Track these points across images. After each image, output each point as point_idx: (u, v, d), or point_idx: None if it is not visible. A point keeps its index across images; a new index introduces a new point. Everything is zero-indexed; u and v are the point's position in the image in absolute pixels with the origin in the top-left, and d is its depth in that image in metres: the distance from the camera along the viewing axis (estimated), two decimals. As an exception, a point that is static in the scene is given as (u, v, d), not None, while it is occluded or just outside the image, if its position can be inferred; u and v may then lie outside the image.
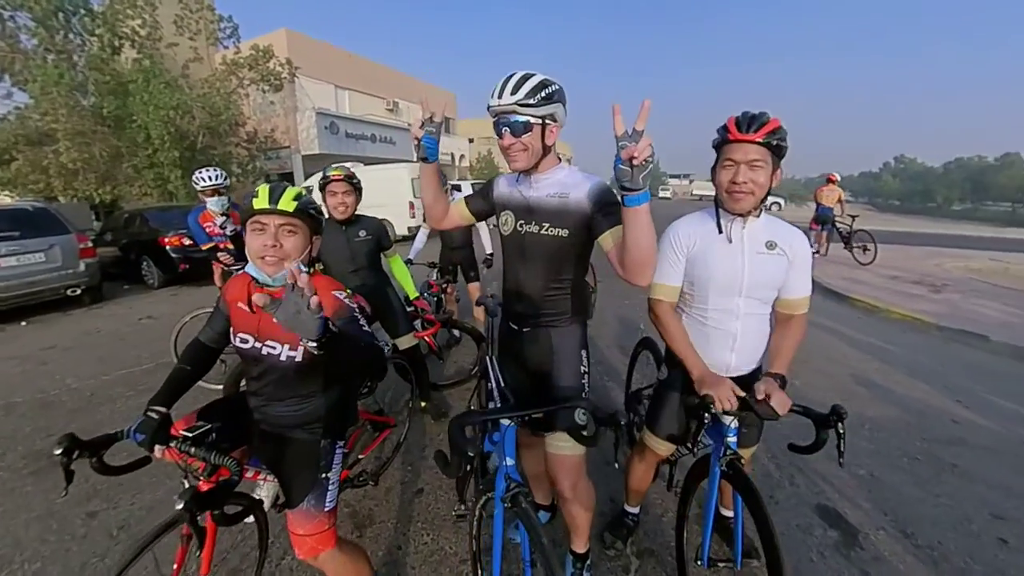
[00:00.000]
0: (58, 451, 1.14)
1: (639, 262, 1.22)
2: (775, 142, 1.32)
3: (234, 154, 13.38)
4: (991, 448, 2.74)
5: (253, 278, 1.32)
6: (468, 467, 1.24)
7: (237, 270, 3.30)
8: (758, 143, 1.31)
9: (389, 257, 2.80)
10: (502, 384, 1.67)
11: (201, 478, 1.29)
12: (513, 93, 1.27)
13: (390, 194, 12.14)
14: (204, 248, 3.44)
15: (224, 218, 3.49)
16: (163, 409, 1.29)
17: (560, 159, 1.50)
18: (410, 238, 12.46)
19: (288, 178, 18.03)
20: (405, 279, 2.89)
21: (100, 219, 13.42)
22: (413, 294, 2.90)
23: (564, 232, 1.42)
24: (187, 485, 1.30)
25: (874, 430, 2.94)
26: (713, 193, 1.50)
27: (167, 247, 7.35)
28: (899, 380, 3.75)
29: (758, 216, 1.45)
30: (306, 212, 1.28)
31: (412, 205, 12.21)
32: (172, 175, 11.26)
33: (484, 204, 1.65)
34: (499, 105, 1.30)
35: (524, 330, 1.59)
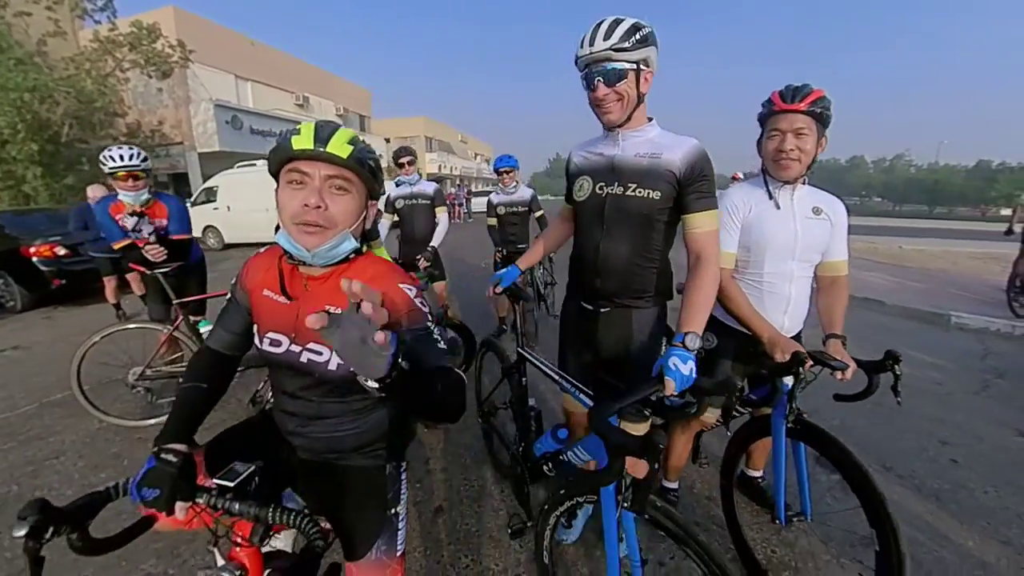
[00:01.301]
0: (22, 532, 0.73)
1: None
2: (819, 111, 1.37)
3: (111, 150, 11.40)
4: (914, 389, 3.21)
5: (285, 252, 0.97)
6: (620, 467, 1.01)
7: (167, 272, 2.66)
8: (803, 112, 1.37)
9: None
10: (564, 372, 1.54)
11: (245, 543, 0.91)
12: (606, 38, 1.21)
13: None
14: (117, 247, 2.67)
15: (138, 218, 2.70)
16: (183, 448, 0.91)
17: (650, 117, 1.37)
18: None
19: (182, 180, 15.83)
20: None
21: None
22: None
23: (655, 194, 1.31)
24: (219, 555, 0.92)
25: (826, 387, 3.16)
26: None
27: (34, 259, 5.94)
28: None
29: (804, 184, 1.52)
30: (363, 163, 0.92)
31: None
32: (29, 173, 9.26)
33: (569, 186, 1.56)
34: (591, 53, 1.23)
35: (602, 311, 1.47)
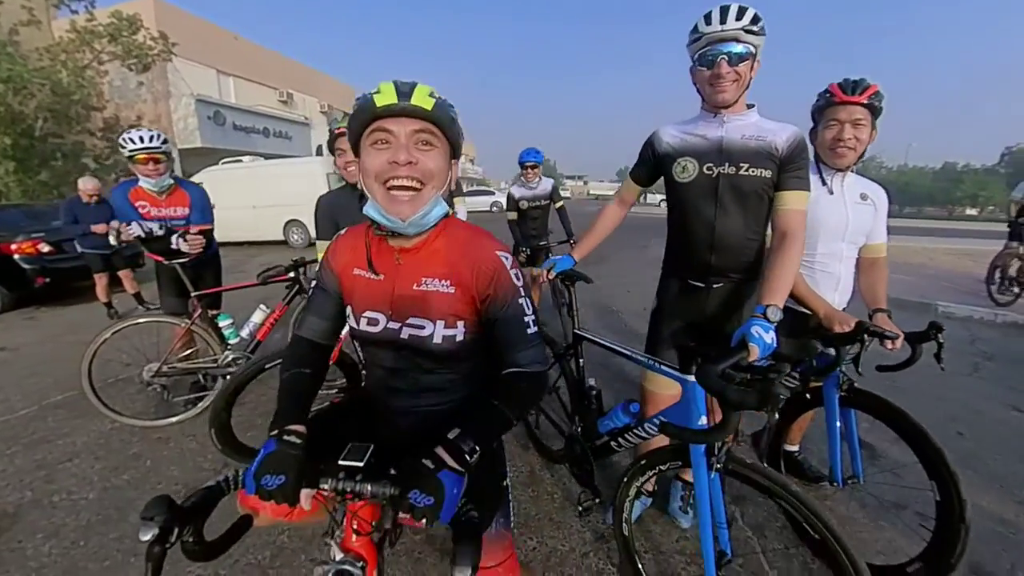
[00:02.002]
0: (150, 535, 0.66)
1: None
2: (876, 103, 1.49)
3: (88, 145, 10.94)
4: (913, 371, 3.30)
5: (373, 223, 0.92)
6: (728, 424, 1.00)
7: (186, 263, 2.54)
8: (862, 104, 1.48)
9: None
10: (655, 349, 1.61)
11: (365, 532, 0.84)
12: (738, 19, 1.27)
13: (303, 191, 10.80)
14: (137, 238, 2.50)
15: (162, 224, 2.49)
16: (303, 429, 0.84)
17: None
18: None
19: (162, 176, 15.29)
20: None
21: None
22: None
23: (767, 173, 1.38)
24: (335, 547, 0.86)
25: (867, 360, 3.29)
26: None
27: (15, 256, 5.65)
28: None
29: (852, 172, 1.64)
30: (448, 116, 0.85)
31: (328, 204, 11.02)
32: (1, 169, 8.81)
33: (649, 168, 1.62)
34: (721, 31, 1.28)
35: (714, 286, 1.52)
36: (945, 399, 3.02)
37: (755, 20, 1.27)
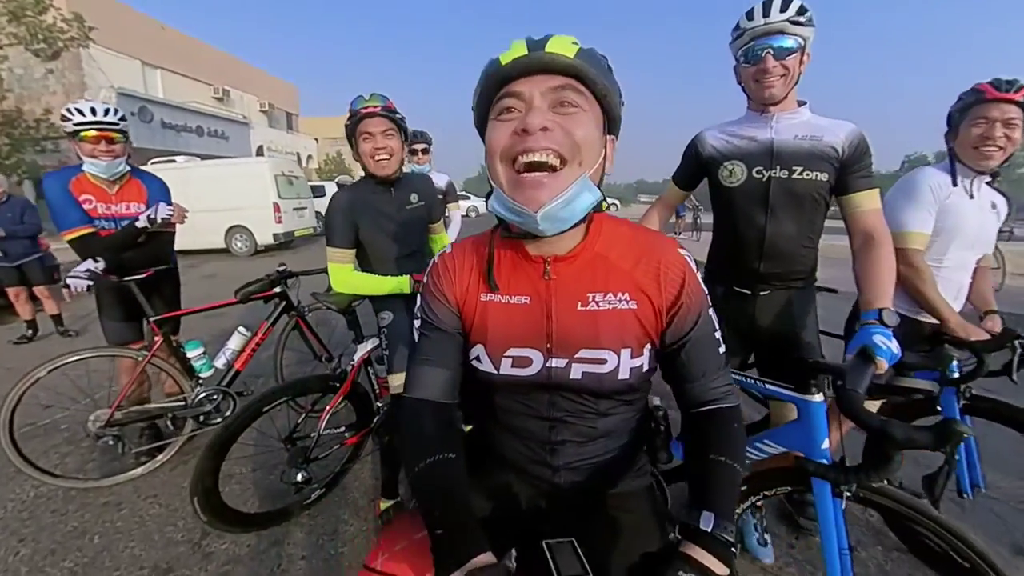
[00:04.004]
0: None
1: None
2: None
3: (-18, 141, 9.36)
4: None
5: (500, 224, 0.73)
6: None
7: (143, 279, 2.03)
8: (1017, 103, 1.38)
9: (435, 234, 1.95)
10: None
11: None
12: (783, 10, 1.20)
13: (249, 195, 9.89)
14: (70, 236, 1.91)
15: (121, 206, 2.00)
16: (492, 560, 0.58)
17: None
18: (276, 247, 10.62)
19: (75, 178, 13.52)
20: None
21: None
22: None
23: (823, 176, 1.30)
24: None
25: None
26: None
27: None
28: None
29: (986, 178, 1.52)
30: (598, 66, 0.63)
31: (278, 207, 10.14)
32: None
33: (692, 171, 1.53)
34: (764, 24, 1.21)
35: (761, 293, 1.44)
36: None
37: (801, 11, 1.20)
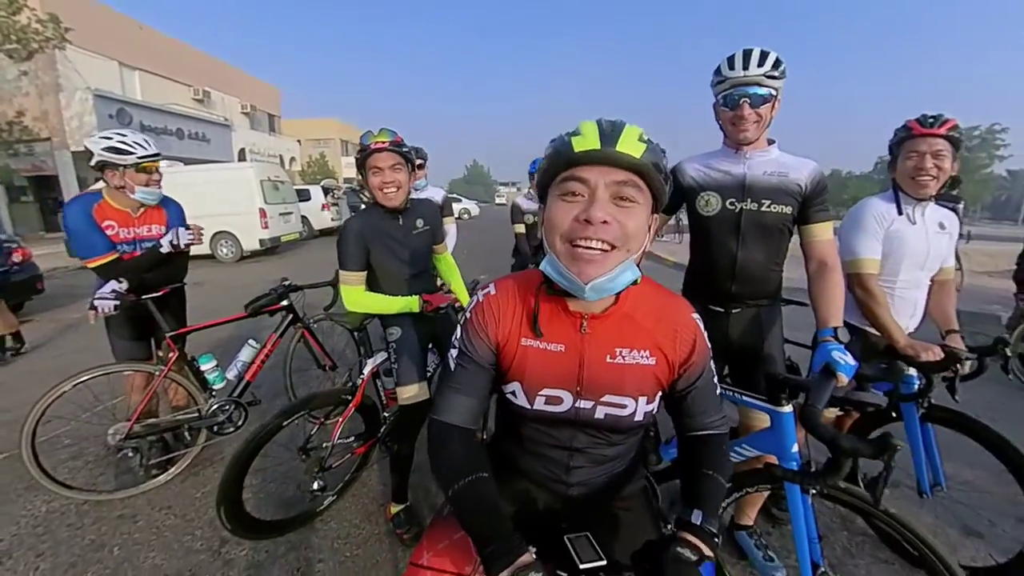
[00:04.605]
0: None
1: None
2: (956, 135, 1.57)
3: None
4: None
5: (544, 282, 0.82)
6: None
7: (159, 296, 2.10)
8: (942, 136, 1.55)
9: (439, 253, 2.07)
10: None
11: None
12: (760, 65, 1.35)
13: (234, 201, 9.80)
14: (100, 264, 1.98)
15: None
16: (533, 559, 0.69)
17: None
18: (262, 253, 10.53)
19: (50, 183, 13.19)
20: (458, 282, 2.17)
21: None
22: (467, 301, 2.24)
23: (787, 209, 1.46)
24: None
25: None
26: None
27: None
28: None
29: (931, 202, 1.67)
30: (658, 166, 0.72)
31: (264, 213, 10.07)
32: None
33: (673, 197, 1.63)
34: (744, 76, 1.35)
35: (733, 311, 1.59)
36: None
37: (776, 65, 1.35)
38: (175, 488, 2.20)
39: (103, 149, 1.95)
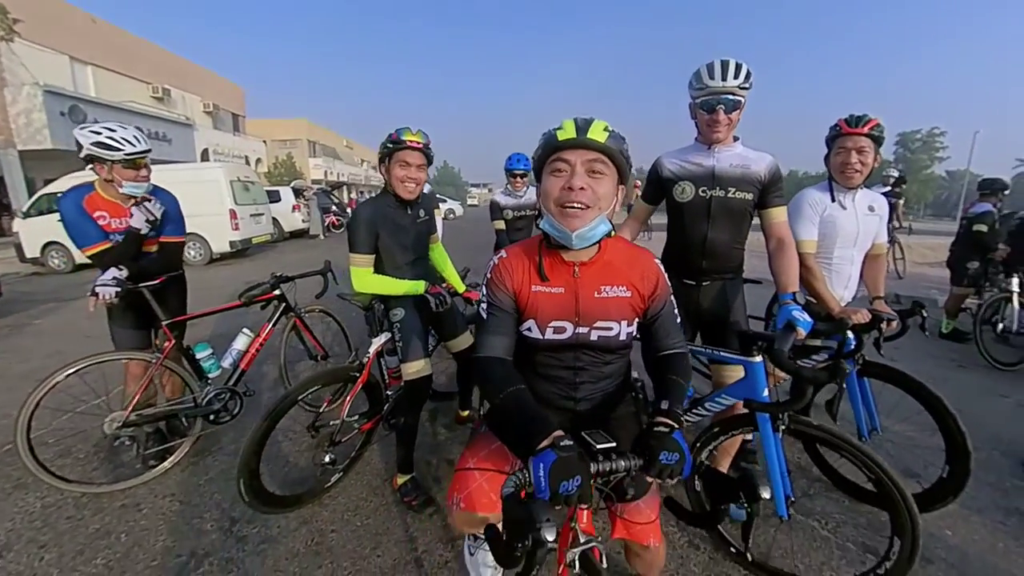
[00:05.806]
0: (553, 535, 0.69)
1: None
2: (876, 134, 1.80)
3: None
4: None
5: (544, 238, 1.07)
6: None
7: (154, 286, 2.11)
8: (864, 135, 1.79)
9: (432, 242, 2.21)
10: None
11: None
12: (735, 77, 1.57)
13: (203, 201, 9.48)
14: (94, 252, 2.02)
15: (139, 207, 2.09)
16: (563, 433, 0.86)
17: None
18: (232, 256, 10.25)
19: (-5, 184, 12.36)
20: (450, 270, 2.34)
21: None
22: (461, 287, 2.36)
23: (749, 196, 1.70)
24: (580, 531, 0.98)
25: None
26: None
27: None
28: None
29: (860, 188, 1.94)
30: (619, 151, 0.99)
31: (234, 214, 9.82)
32: None
33: (655, 189, 1.88)
34: (721, 86, 1.58)
35: (703, 284, 1.83)
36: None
37: (747, 77, 1.59)
38: (176, 477, 2.21)
39: (92, 144, 1.96)
